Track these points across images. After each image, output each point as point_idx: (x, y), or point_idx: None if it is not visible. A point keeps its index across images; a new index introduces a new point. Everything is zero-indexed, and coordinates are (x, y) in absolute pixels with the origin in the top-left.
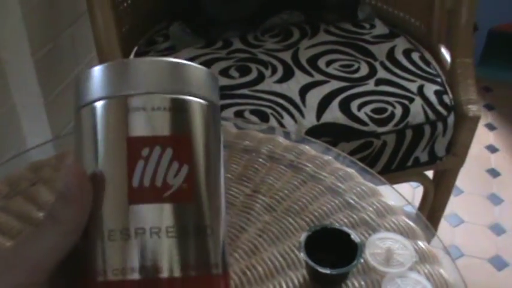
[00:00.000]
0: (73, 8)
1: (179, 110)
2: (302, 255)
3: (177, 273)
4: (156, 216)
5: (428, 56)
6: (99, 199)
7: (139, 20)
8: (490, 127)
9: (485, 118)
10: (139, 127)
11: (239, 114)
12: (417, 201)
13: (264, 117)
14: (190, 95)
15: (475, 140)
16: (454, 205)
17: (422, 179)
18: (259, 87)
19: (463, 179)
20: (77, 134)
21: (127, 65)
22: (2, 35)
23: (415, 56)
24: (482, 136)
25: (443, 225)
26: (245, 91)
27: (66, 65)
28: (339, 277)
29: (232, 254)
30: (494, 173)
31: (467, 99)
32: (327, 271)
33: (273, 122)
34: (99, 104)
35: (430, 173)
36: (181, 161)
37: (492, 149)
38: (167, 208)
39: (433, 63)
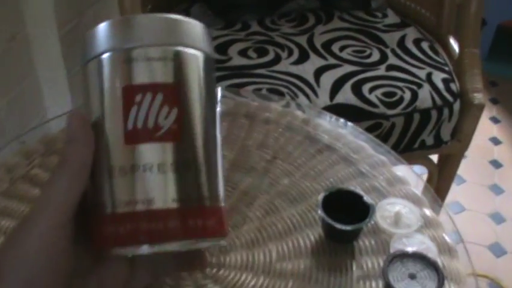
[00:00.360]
0: None
1: (169, 60)
2: (320, 212)
3: (169, 205)
4: (149, 154)
5: (437, 45)
6: (101, 142)
7: (162, 1)
8: (495, 120)
9: (490, 111)
10: (133, 76)
11: (256, 92)
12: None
13: (280, 96)
14: (179, 46)
15: (480, 132)
16: (456, 193)
17: (428, 163)
18: (276, 68)
19: (467, 168)
20: (85, 88)
21: (122, 21)
22: (31, 10)
23: (425, 45)
24: (487, 128)
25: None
26: (262, 71)
27: None
28: (352, 234)
29: (255, 213)
30: (496, 164)
31: (473, 87)
32: (343, 227)
33: (288, 100)
34: (99, 58)
35: (434, 158)
36: (171, 105)
37: (495, 141)
38: (159, 146)
39: (442, 52)
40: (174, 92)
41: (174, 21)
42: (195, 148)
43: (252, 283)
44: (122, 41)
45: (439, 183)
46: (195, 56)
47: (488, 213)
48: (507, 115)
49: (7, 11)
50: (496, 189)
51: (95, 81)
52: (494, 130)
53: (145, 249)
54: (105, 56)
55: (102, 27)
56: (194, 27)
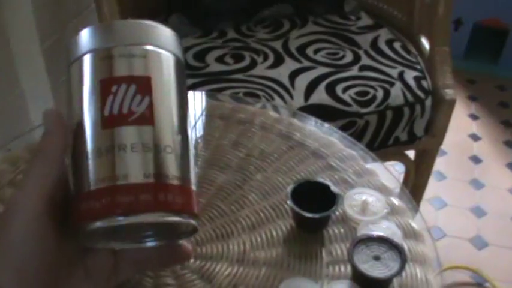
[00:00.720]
0: (78, 2)
1: (141, 56)
2: (289, 203)
3: (140, 180)
4: (123, 136)
5: (409, 45)
6: (80, 130)
7: (141, 12)
8: (473, 117)
9: (469, 108)
10: (108, 71)
11: (234, 96)
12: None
13: (256, 99)
14: (150, 45)
15: (459, 128)
16: (437, 189)
17: (404, 159)
18: (252, 72)
19: (447, 165)
20: (68, 87)
21: (99, 26)
22: (14, 26)
23: (397, 45)
24: (466, 125)
25: (428, 208)
26: (239, 76)
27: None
28: (321, 222)
29: (229, 207)
30: (476, 159)
31: (444, 83)
32: (310, 215)
33: (264, 103)
34: (81, 59)
35: (411, 155)
36: (143, 94)
37: (475, 137)
38: (132, 129)
39: (414, 51)
40: (147, 83)
41: (145, 25)
42: (167, 132)
43: (227, 272)
44: (99, 42)
45: (417, 178)
46: (165, 55)
47: (469, 207)
48: (485, 112)
49: None
50: (477, 184)
51: (76, 79)
52: (473, 126)
53: (119, 220)
54: (86, 56)
55: (82, 33)
56: (164, 31)
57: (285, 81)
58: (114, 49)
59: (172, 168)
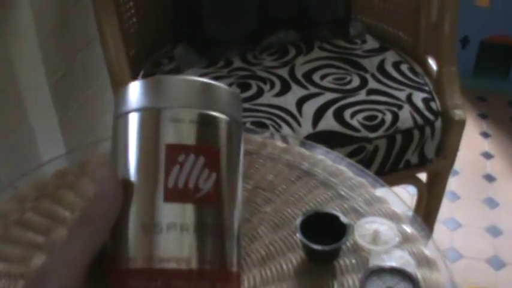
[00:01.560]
0: (83, 35)
1: (212, 125)
2: (298, 235)
3: (202, 266)
4: (187, 215)
5: (416, 66)
6: (130, 198)
7: (146, 43)
8: (485, 135)
9: (480, 126)
10: (178, 136)
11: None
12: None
13: (263, 128)
14: (219, 112)
15: (471, 147)
16: (451, 210)
17: (416, 182)
18: (259, 101)
19: (460, 185)
20: (114, 142)
21: (165, 80)
22: (20, 61)
23: (404, 67)
24: (478, 144)
25: (442, 229)
26: (246, 105)
27: (78, 88)
28: (332, 254)
29: None
30: (490, 178)
31: (453, 104)
32: (320, 247)
33: (272, 131)
34: (136, 114)
35: (423, 177)
36: (211, 169)
37: (487, 155)
38: (196, 208)
39: (421, 73)
40: (215, 156)
41: (219, 88)
42: (228, 213)
43: None
44: (170, 99)
45: (430, 201)
46: (233, 125)
47: (484, 227)
48: (497, 129)
49: None
50: (491, 203)
51: (131, 136)
52: (486, 145)
53: None
54: (149, 111)
55: (144, 83)
56: (231, 94)
57: (292, 108)
58: (186, 111)
59: (230, 252)
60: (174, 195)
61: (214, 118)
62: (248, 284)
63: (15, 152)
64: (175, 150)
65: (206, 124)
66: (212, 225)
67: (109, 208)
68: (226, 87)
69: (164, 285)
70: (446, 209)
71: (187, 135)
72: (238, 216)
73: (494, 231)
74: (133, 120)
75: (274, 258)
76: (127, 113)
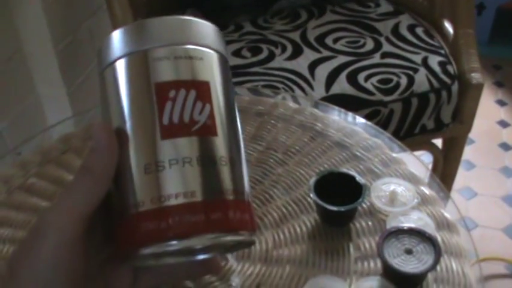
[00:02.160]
0: (90, 2)
1: (198, 59)
2: (312, 196)
3: (210, 197)
4: (187, 148)
5: (432, 30)
6: (127, 144)
7: (154, 10)
8: (501, 103)
9: (496, 95)
10: (165, 73)
11: (252, 89)
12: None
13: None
14: (203, 46)
15: (486, 115)
16: (467, 179)
17: (431, 148)
18: (270, 65)
19: (476, 153)
20: (103, 93)
21: (145, 23)
22: (25, 29)
23: (419, 30)
24: (493, 112)
25: (457, 198)
26: (257, 69)
27: (86, 56)
28: (347, 215)
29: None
30: (505, 147)
31: (470, 67)
32: (335, 208)
33: (284, 95)
34: (122, 60)
35: (439, 144)
36: (204, 101)
37: (503, 124)
38: (196, 140)
39: (437, 36)
40: (207, 88)
41: (199, 24)
42: (227, 143)
43: (250, 271)
44: (151, 39)
45: (445, 168)
46: (219, 57)
47: (500, 196)
48: None
49: (2, 32)
50: (507, 172)
51: (119, 82)
52: (501, 113)
53: (173, 245)
54: (133, 55)
55: (123, 31)
56: (212, 29)
57: (305, 72)
58: (170, 49)
59: (234, 181)
60: (171, 131)
61: (199, 52)
62: (261, 248)
63: (23, 121)
64: (164, 88)
65: (192, 59)
66: (215, 156)
67: (106, 158)
68: (206, 22)
69: (176, 222)
70: (461, 178)
71: (175, 71)
72: (242, 146)
73: (510, 201)
74: (120, 67)
75: (288, 220)
76: (113, 62)
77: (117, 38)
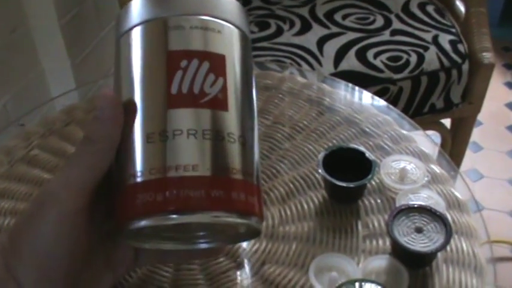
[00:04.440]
0: None
1: (215, 31)
2: (320, 171)
3: (210, 173)
4: (194, 120)
5: (443, 8)
6: (134, 114)
7: None
8: (510, 85)
9: (504, 77)
10: (178, 42)
11: (260, 64)
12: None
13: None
14: (222, 19)
15: (495, 97)
16: (473, 161)
17: (439, 128)
18: (278, 40)
19: (483, 135)
20: (116, 63)
21: None
22: (29, 2)
23: (430, 8)
24: (502, 94)
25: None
26: (264, 44)
27: (91, 30)
28: (356, 192)
29: None
30: None
31: (482, 47)
32: (344, 184)
33: (292, 70)
34: (139, 28)
35: (447, 124)
36: (217, 74)
37: (511, 106)
38: (204, 113)
39: (448, 15)
40: (221, 62)
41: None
42: (239, 120)
43: (255, 248)
44: (168, 8)
45: (453, 148)
46: (239, 33)
47: (507, 179)
48: None
49: (6, 4)
50: None
51: (134, 49)
52: (510, 95)
53: (173, 219)
54: (149, 23)
55: (138, 1)
56: (235, 5)
57: (313, 48)
58: (186, 18)
59: (246, 162)
60: (179, 100)
61: (217, 24)
62: (267, 224)
63: (26, 94)
64: (176, 56)
65: (208, 30)
66: (223, 131)
67: (110, 127)
68: None
69: (174, 195)
70: (468, 160)
71: (189, 41)
72: (256, 128)
73: None
74: (136, 35)
75: (295, 196)
76: (129, 29)
77: (135, 6)
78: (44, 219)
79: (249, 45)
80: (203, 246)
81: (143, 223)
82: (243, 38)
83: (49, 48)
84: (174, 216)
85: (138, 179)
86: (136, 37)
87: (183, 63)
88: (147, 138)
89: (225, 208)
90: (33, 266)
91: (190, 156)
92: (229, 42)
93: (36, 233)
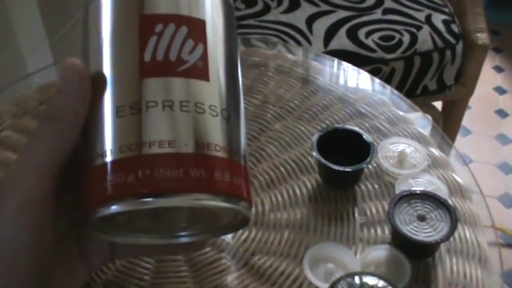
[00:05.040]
0: None
1: None
2: (314, 154)
3: (190, 149)
4: (170, 90)
5: None
6: (103, 85)
7: None
8: (498, 69)
9: (493, 60)
10: (153, 5)
11: (246, 42)
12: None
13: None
14: None
15: (483, 81)
16: (462, 145)
17: (431, 110)
18: (265, 17)
19: (472, 120)
20: (84, 33)
21: None
22: None
23: None
24: (490, 78)
25: (457, 163)
26: (251, 21)
27: (70, 7)
28: (353, 176)
29: None
30: (502, 113)
31: (476, 27)
32: (340, 168)
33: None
34: None
35: (439, 106)
36: (196, 40)
37: (500, 90)
38: (182, 82)
39: None
40: (201, 27)
41: None
42: (224, 92)
43: (244, 236)
44: None
45: (445, 131)
46: (224, 1)
47: (496, 163)
48: (511, 63)
49: None
50: (503, 139)
51: (102, 15)
52: (499, 79)
53: (148, 203)
54: None
55: None
56: None
57: (302, 26)
58: None
59: (226, 137)
60: (152, 69)
61: None
62: (256, 210)
63: (2, 74)
64: (150, 20)
65: None
66: (204, 103)
67: (75, 102)
68: None
69: (147, 176)
70: (457, 145)
71: (165, 4)
72: (241, 102)
73: (506, 168)
74: (102, 1)
75: (286, 181)
76: None
77: None
78: (3, 209)
79: (232, 12)
80: (184, 240)
81: (112, 209)
82: (226, 4)
83: (26, 26)
84: (149, 199)
85: (106, 159)
86: (106, 1)
87: (158, 27)
88: (117, 112)
89: (208, 190)
90: None
91: (167, 131)
92: (210, 7)
93: None
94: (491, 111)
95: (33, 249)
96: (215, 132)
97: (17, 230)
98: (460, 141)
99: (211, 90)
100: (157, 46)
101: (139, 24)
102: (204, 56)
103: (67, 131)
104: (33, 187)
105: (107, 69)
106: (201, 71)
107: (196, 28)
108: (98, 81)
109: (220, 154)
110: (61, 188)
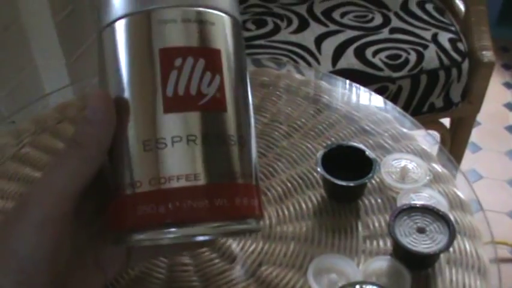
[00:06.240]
0: None
1: (210, 23)
2: (319, 170)
3: (216, 181)
4: (193, 124)
5: (442, 6)
6: (126, 116)
7: None
8: (508, 85)
9: (503, 77)
10: (171, 38)
11: (256, 62)
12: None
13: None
14: (215, 9)
15: (493, 98)
16: (472, 161)
17: (439, 127)
18: (275, 38)
19: (481, 136)
20: (101, 58)
21: None
22: None
23: (429, 6)
24: (500, 94)
25: (462, 180)
26: (261, 42)
27: (86, 28)
28: (356, 191)
29: None
30: None
31: (482, 45)
32: (344, 183)
33: (289, 68)
34: (123, 21)
35: (446, 123)
36: (213, 72)
37: (510, 106)
38: (203, 116)
39: (447, 13)
40: (217, 57)
41: None
42: (239, 120)
43: (251, 249)
44: (154, 0)
45: (453, 148)
46: (236, 23)
47: (506, 179)
48: None
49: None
50: None
51: (119, 47)
52: (509, 95)
53: (174, 232)
54: (135, 16)
55: None
56: None
57: (311, 46)
58: (178, 10)
59: (243, 163)
60: (175, 104)
61: (211, 15)
62: (264, 224)
63: (20, 93)
64: (170, 54)
65: (202, 23)
66: (223, 134)
67: (100, 130)
68: None
69: (176, 207)
70: (467, 161)
71: (182, 36)
72: (252, 124)
73: None
74: (120, 29)
75: (293, 196)
76: (112, 22)
77: None
78: (24, 225)
79: (241, 33)
80: (200, 239)
81: (143, 236)
82: (236, 26)
83: (43, 45)
84: (176, 229)
85: (137, 190)
86: (121, 32)
87: (178, 61)
88: (144, 146)
89: (229, 217)
90: (14, 270)
91: (192, 165)
92: (223, 34)
93: (18, 236)
94: (501, 128)
95: (53, 261)
96: (235, 161)
97: (38, 243)
98: (470, 158)
99: (229, 120)
100: (178, 81)
101: (160, 59)
102: (222, 87)
103: (90, 158)
104: (55, 205)
105: (130, 102)
106: (219, 102)
107: (213, 59)
108: (121, 113)
109: (239, 181)
110: (81, 205)
